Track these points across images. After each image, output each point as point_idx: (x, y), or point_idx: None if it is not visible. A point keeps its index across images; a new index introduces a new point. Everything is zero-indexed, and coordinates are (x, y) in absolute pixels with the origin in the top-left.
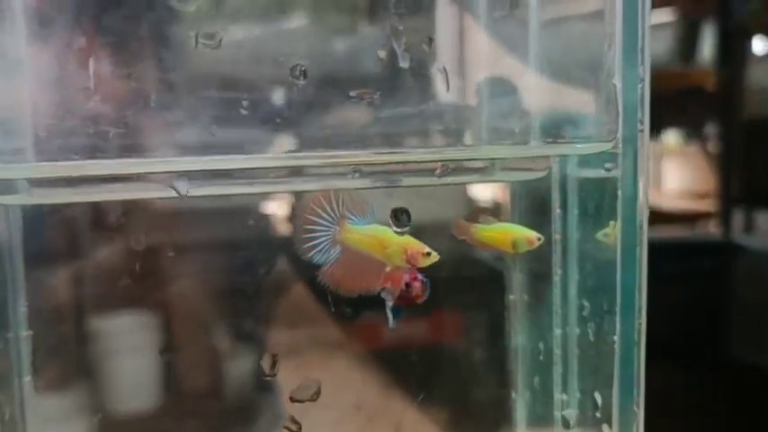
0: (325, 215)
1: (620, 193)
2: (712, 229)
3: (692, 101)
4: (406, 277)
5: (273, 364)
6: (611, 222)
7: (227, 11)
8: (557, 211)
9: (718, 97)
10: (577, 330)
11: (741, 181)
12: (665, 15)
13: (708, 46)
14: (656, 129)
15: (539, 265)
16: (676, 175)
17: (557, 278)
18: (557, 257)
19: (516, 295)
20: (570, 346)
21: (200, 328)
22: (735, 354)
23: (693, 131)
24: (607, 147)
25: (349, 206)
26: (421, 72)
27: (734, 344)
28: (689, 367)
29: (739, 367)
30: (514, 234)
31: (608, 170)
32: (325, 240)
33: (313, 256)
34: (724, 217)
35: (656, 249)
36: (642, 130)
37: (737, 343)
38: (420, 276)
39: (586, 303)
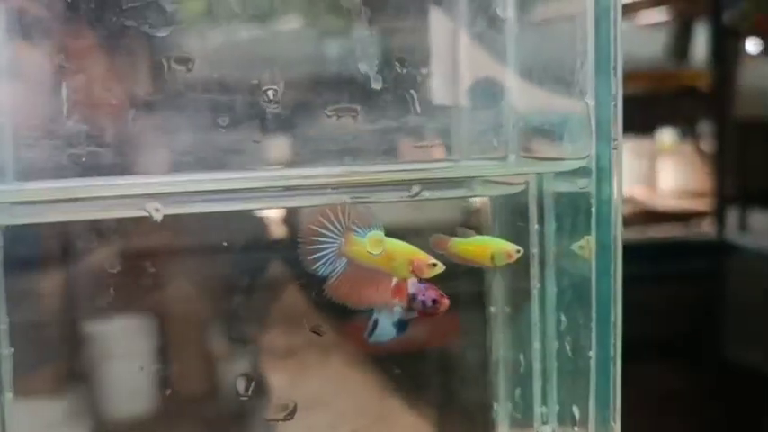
0: (331, 227)
1: (593, 210)
2: (706, 228)
3: (686, 100)
4: (432, 293)
5: (249, 385)
6: (587, 237)
7: (198, 31)
8: (534, 224)
9: (711, 96)
10: (556, 344)
11: (735, 180)
12: (658, 15)
13: (702, 45)
14: (651, 128)
15: (519, 279)
16: (671, 175)
17: (535, 292)
18: (534, 271)
19: (497, 308)
20: (549, 359)
21: (196, 332)
22: (729, 352)
23: (688, 130)
24: (580, 164)
25: (354, 218)
26: (397, 90)
27: (728, 342)
28: (683, 366)
29: (733, 365)
30: (492, 247)
31: (582, 187)
32: (330, 253)
33: (318, 269)
34: (718, 216)
35: (651, 248)
36: (616, 148)
37: (732, 341)
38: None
39: (563, 317)
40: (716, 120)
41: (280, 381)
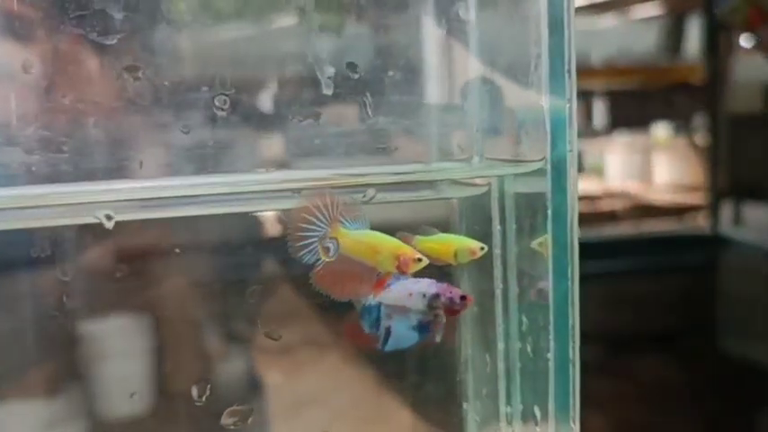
0: (320, 216)
1: (549, 212)
2: (701, 222)
3: (679, 94)
4: (457, 291)
5: (202, 392)
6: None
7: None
8: (497, 225)
9: (705, 91)
10: (519, 344)
11: (729, 174)
12: (652, 10)
13: (695, 40)
14: (645, 122)
15: (485, 279)
16: (665, 169)
17: (498, 292)
18: (497, 272)
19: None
20: (513, 359)
21: (190, 331)
22: (723, 344)
23: (682, 125)
24: (537, 166)
25: (342, 210)
26: (359, 93)
27: (722, 334)
28: (678, 358)
29: (728, 357)
30: (456, 245)
31: (539, 189)
32: (315, 240)
33: (303, 256)
34: (712, 210)
35: (645, 243)
36: (571, 150)
37: (726, 333)
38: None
39: (525, 319)
40: (710, 114)
41: (275, 378)
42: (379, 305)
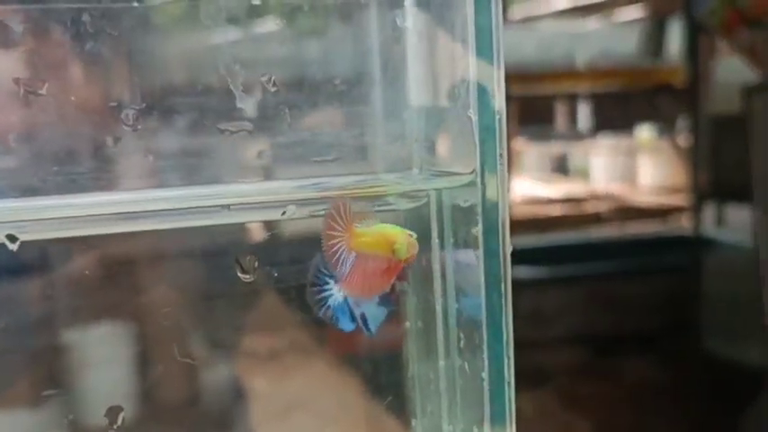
0: (339, 224)
1: (480, 225)
2: (684, 223)
3: (662, 96)
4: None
5: (115, 418)
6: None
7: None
8: (435, 239)
9: (687, 93)
10: (459, 361)
11: (711, 175)
12: (634, 13)
13: (676, 42)
14: (629, 124)
15: (428, 294)
16: (649, 171)
17: (438, 308)
18: (437, 286)
19: (411, 323)
20: (453, 376)
21: (175, 338)
22: (707, 343)
23: (665, 127)
24: (468, 179)
25: (354, 213)
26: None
27: (706, 334)
28: (663, 358)
29: (712, 357)
30: (389, 236)
31: (466, 201)
32: (342, 249)
33: (336, 269)
34: (695, 211)
35: (630, 244)
36: (501, 163)
37: (709, 333)
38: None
39: (462, 336)
40: (691, 116)
41: (262, 384)
42: (345, 298)
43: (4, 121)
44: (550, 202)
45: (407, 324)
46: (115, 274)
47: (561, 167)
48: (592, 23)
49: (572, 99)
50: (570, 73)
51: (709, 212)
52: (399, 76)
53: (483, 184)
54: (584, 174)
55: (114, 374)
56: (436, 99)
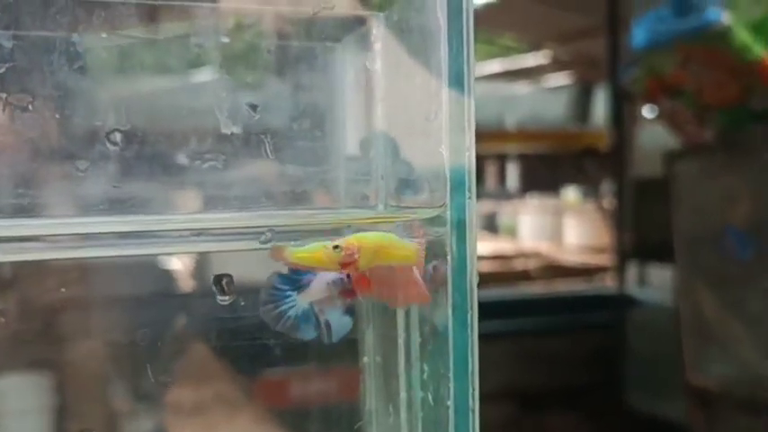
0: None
1: (449, 258)
2: (608, 282)
3: (588, 159)
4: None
5: None
6: None
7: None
8: None
9: (611, 156)
10: (421, 394)
11: (634, 236)
12: (562, 79)
13: (601, 108)
14: (556, 186)
15: (388, 328)
16: (575, 231)
17: (401, 341)
18: (400, 320)
19: (369, 357)
20: (415, 409)
21: (98, 388)
22: (630, 399)
23: (590, 189)
24: (437, 212)
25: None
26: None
27: (629, 390)
28: (587, 414)
29: (635, 413)
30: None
31: (438, 234)
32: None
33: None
34: (619, 270)
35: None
36: (470, 197)
37: (633, 389)
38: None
39: (426, 367)
40: (615, 179)
41: None
42: (311, 306)
43: None
44: (479, 258)
45: (365, 359)
46: (33, 319)
47: (490, 225)
48: (522, 88)
49: (501, 160)
50: (500, 134)
51: (632, 272)
52: (365, 114)
53: (453, 217)
54: (512, 232)
55: (30, 427)
56: (403, 136)
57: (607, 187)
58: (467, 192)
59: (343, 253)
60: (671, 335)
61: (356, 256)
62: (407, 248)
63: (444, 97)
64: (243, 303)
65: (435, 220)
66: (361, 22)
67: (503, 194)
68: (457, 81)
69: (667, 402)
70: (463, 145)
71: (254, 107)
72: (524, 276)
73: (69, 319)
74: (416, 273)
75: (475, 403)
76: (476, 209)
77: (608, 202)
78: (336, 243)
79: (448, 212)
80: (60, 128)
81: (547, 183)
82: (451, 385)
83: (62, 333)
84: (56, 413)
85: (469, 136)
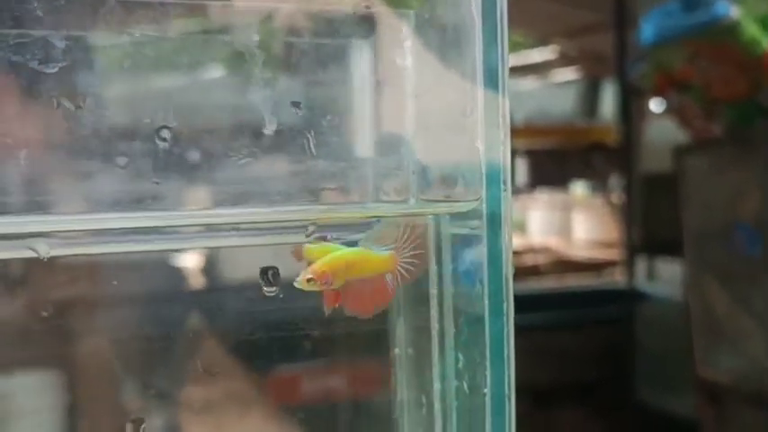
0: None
1: (485, 249)
2: (617, 277)
3: (596, 154)
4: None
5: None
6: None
7: (98, 68)
8: (433, 265)
9: (620, 151)
10: (455, 383)
11: (643, 231)
12: (569, 74)
13: (610, 103)
14: (564, 181)
15: (420, 320)
16: (584, 226)
17: (434, 332)
18: (434, 312)
19: (401, 349)
20: (449, 399)
21: (108, 386)
22: (640, 395)
23: (598, 184)
24: (473, 206)
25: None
26: (301, 136)
27: (639, 385)
28: (597, 409)
29: (645, 408)
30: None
31: (473, 228)
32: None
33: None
34: (628, 265)
35: (565, 296)
36: (506, 190)
37: (642, 384)
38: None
39: (461, 356)
40: (624, 173)
41: None
42: None
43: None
44: None
45: (396, 351)
46: (45, 319)
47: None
48: (529, 83)
49: (510, 155)
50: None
51: (641, 266)
52: (397, 111)
53: (488, 209)
54: (521, 227)
55: (42, 426)
56: (435, 132)
57: (616, 182)
58: (501, 185)
59: (318, 283)
60: (680, 329)
61: (330, 281)
62: (379, 258)
63: (480, 93)
64: (281, 296)
65: (470, 214)
66: (394, 18)
67: (511, 190)
68: (490, 77)
69: (677, 397)
70: (498, 139)
71: (297, 104)
72: (534, 271)
73: (79, 317)
74: (389, 279)
75: (511, 391)
76: (511, 202)
77: (617, 197)
78: (309, 276)
79: (483, 206)
80: (109, 126)
81: (555, 178)
82: (488, 373)
83: (72, 331)
84: (68, 413)
85: (504, 130)
